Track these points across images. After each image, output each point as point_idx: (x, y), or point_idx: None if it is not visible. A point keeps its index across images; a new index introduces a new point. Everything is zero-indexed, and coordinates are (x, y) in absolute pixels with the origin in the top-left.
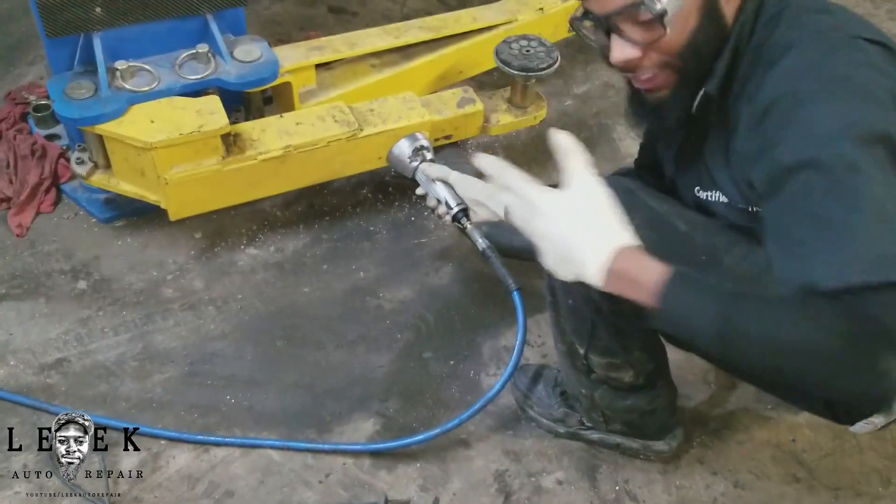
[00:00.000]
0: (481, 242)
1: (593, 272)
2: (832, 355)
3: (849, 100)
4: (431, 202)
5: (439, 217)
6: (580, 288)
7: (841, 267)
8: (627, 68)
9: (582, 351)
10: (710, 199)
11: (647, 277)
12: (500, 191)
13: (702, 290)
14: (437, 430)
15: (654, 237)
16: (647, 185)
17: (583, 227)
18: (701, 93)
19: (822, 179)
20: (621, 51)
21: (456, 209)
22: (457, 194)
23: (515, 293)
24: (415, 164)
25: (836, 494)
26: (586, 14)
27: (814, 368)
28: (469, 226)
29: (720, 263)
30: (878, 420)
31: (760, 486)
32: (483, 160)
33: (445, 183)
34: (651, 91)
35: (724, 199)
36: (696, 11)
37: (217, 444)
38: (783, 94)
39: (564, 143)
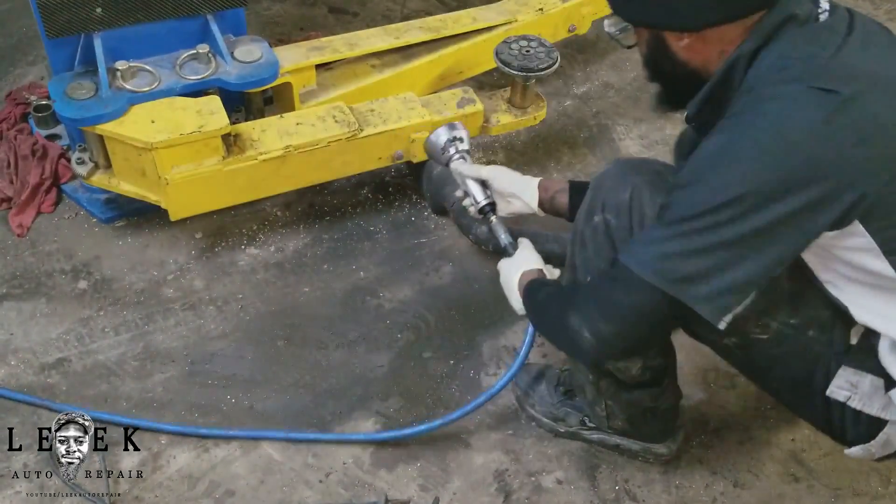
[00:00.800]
0: (504, 238)
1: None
2: (552, 320)
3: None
4: (460, 193)
5: (466, 209)
6: (599, 262)
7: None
8: None
9: None
10: None
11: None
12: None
13: (533, 291)
14: (440, 421)
15: None
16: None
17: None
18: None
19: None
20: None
21: (483, 202)
22: (485, 189)
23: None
24: (449, 152)
25: (836, 494)
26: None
27: (549, 334)
28: (494, 220)
29: None
30: (874, 449)
31: (760, 486)
32: None
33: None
34: None
35: None
36: (644, 44)
37: (226, 439)
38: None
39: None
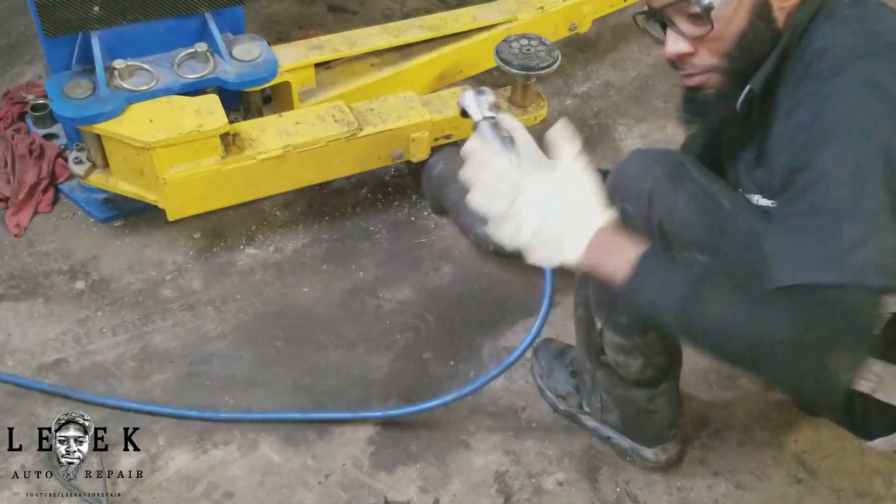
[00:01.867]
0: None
1: (571, 251)
2: (782, 349)
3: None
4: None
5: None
6: None
7: (800, 266)
8: (678, 64)
9: (599, 325)
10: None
11: (622, 254)
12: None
13: (673, 269)
14: (454, 395)
15: (699, 212)
16: (701, 161)
17: (563, 209)
18: (746, 89)
19: (822, 191)
20: (673, 44)
21: (486, 116)
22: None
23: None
24: (486, 114)
25: (838, 495)
26: (647, 10)
27: (765, 359)
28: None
29: (759, 248)
30: None
31: (762, 487)
32: (506, 121)
33: (507, 142)
34: (699, 88)
35: (760, 200)
36: (746, 11)
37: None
38: (820, 119)
39: (554, 132)
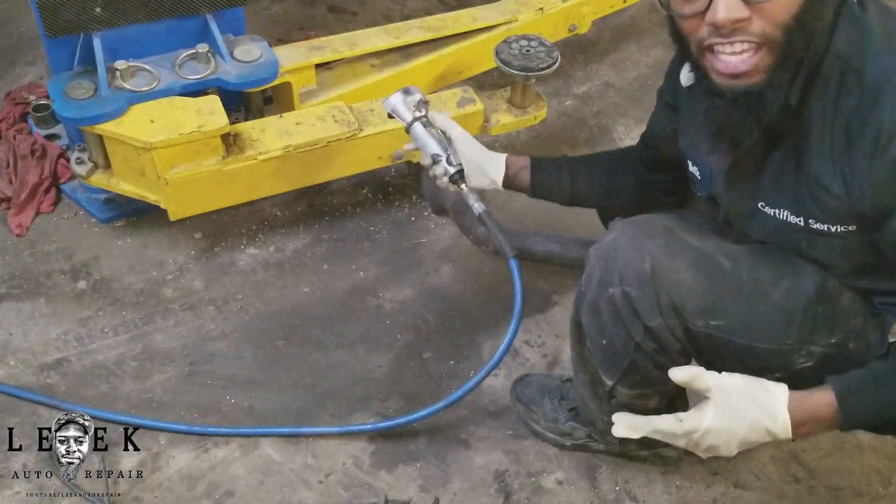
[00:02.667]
0: (477, 206)
1: (782, 433)
2: None
3: None
4: (426, 160)
5: (434, 177)
6: (619, 330)
7: None
8: (725, 33)
9: (610, 383)
10: (776, 215)
11: (824, 413)
12: None
13: (870, 396)
14: (442, 403)
15: (702, 279)
16: (683, 218)
17: (749, 415)
18: (780, 104)
19: None
20: (729, 8)
21: (454, 170)
22: (454, 150)
23: (512, 261)
24: (417, 114)
25: (837, 495)
26: None
27: None
28: (465, 188)
29: (767, 299)
30: None
31: (760, 487)
32: None
33: (443, 139)
34: (739, 76)
35: (790, 217)
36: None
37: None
38: None
39: (682, 375)
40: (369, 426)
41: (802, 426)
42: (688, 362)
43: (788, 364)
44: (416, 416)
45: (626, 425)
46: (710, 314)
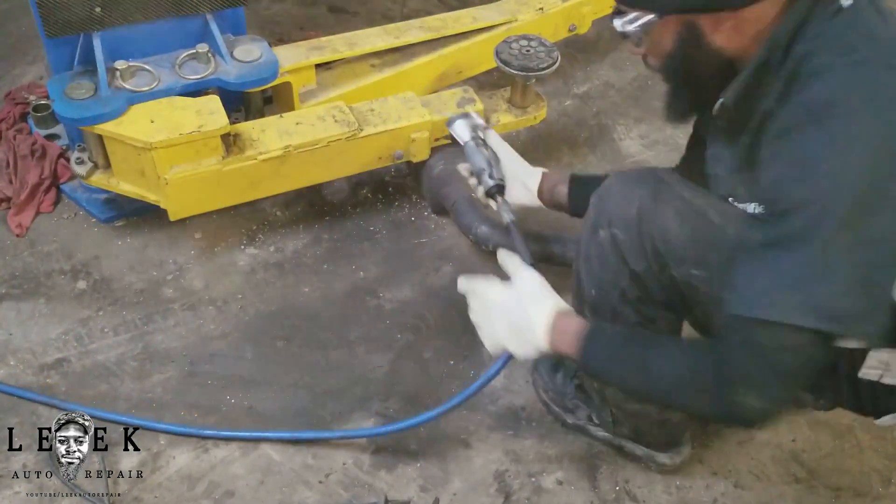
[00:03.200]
0: (507, 216)
1: (539, 342)
2: (702, 388)
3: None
4: (465, 171)
5: (475, 191)
6: (606, 275)
7: (741, 299)
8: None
9: None
10: (745, 209)
11: (571, 338)
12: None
13: (614, 343)
14: (445, 406)
15: (687, 228)
16: (687, 180)
17: (523, 310)
18: (720, 101)
19: (786, 226)
20: (628, 47)
21: (492, 183)
22: (499, 168)
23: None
24: (472, 135)
25: (837, 494)
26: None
27: (691, 399)
28: (500, 200)
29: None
30: None
31: (760, 487)
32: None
33: (492, 158)
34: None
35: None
36: (671, 39)
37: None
38: (804, 159)
39: (502, 258)
40: (366, 431)
41: (554, 341)
42: (674, 317)
43: None
44: (414, 420)
45: (466, 279)
46: (692, 263)
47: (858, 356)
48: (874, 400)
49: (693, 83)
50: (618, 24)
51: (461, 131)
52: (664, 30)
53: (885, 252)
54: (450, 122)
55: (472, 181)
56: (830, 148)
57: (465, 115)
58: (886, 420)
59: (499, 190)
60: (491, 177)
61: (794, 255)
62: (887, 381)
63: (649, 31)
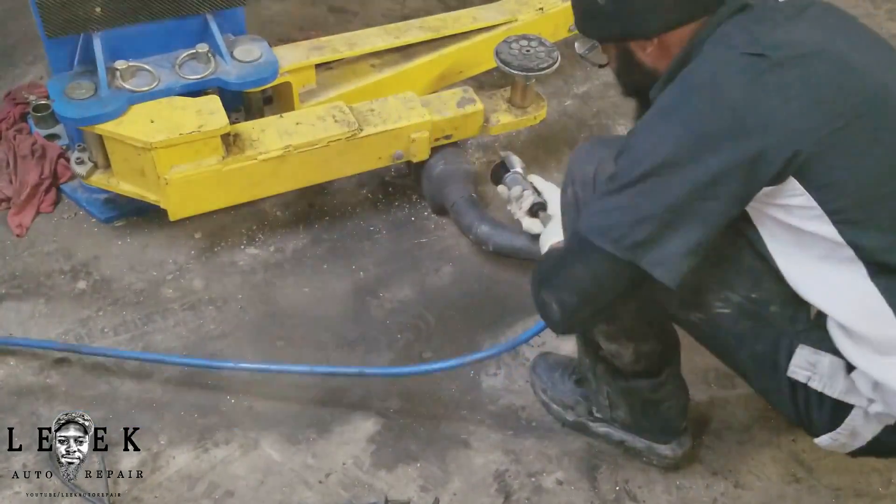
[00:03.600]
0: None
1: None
2: (535, 279)
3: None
4: (504, 193)
5: (512, 208)
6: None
7: (580, 217)
8: None
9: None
10: None
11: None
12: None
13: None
14: (465, 359)
15: None
16: None
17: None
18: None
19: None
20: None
21: (536, 200)
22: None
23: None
24: (514, 169)
25: (837, 494)
26: None
27: (532, 287)
28: (542, 215)
29: None
30: (843, 439)
31: (761, 487)
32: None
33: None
34: None
35: None
36: (613, 60)
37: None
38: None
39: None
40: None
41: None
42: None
43: (707, 303)
44: (446, 363)
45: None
46: None
47: (784, 347)
48: (808, 409)
49: (640, 93)
50: (577, 46)
51: (513, 160)
52: (608, 52)
53: (666, 204)
54: (508, 159)
55: (512, 206)
56: (661, 118)
57: (511, 160)
58: (824, 441)
59: (541, 207)
60: (534, 195)
61: (612, 192)
62: (814, 385)
63: (604, 51)
